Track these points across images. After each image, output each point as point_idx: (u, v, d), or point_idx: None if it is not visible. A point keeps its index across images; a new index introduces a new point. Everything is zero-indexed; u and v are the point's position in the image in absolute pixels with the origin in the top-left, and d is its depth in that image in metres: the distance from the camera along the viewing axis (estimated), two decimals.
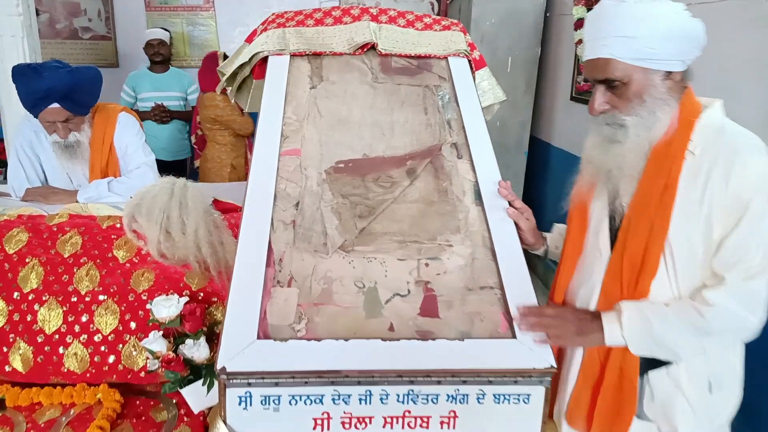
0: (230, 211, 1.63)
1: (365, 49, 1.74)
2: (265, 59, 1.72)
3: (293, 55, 1.72)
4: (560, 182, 1.98)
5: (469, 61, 1.80)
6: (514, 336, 1.07)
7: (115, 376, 1.18)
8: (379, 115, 1.56)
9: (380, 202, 1.32)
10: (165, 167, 3.59)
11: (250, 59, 1.74)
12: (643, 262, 1.08)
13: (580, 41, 3.18)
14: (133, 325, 1.18)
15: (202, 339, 1.12)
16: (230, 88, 1.85)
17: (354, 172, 1.39)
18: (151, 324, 1.14)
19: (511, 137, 4.01)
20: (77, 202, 1.62)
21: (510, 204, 1.33)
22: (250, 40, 1.87)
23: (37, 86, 1.55)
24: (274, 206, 1.27)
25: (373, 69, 1.72)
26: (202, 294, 1.23)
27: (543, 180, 3.96)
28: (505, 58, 3.81)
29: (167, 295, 1.16)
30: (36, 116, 1.63)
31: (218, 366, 0.96)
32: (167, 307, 1.10)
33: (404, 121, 1.55)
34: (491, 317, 1.11)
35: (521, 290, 1.15)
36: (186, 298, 1.14)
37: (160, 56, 3.58)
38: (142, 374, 1.17)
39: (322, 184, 1.35)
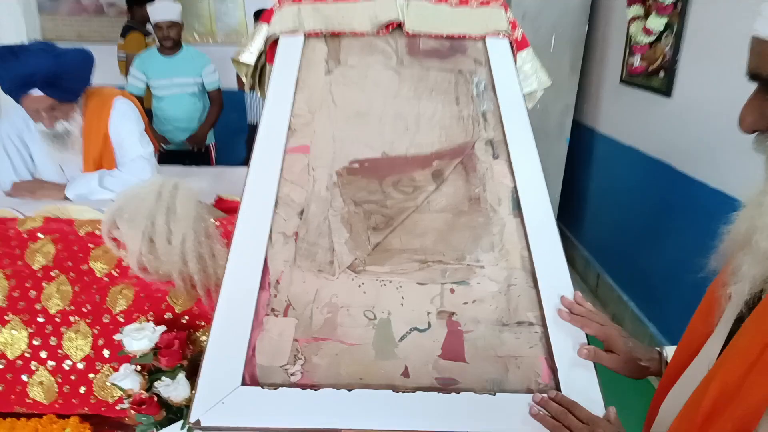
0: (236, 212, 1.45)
1: (390, 29, 1.52)
2: (277, 40, 1.52)
3: (308, 35, 1.52)
4: (605, 173, 1.71)
5: (510, 42, 1.55)
6: (558, 388, 0.87)
7: (87, 408, 1.03)
8: (404, 106, 1.34)
9: (400, 211, 1.12)
10: (183, 157, 3.42)
11: (265, 44, 1.55)
12: (731, 403, 0.64)
13: (633, 19, 2.86)
14: (106, 352, 1.02)
15: (181, 376, 0.96)
16: (252, 81, 1.66)
17: (371, 174, 1.19)
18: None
19: (552, 122, 3.73)
20: (66, 198, 1.48)
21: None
22: (266, 18, 1.67)
23: (16, 71, 1.40)
24: (274, 215, 1.08)
25: (399, 51, 1.50)
26: (186, 317, 1.07)
27: (586, 169, 3.67)
28: (548, 36, 3.51)
29: (144, 319, 1.00)
30: (18, 103, 1.49)
31: (191, 418, 0.79)
32: (139, 339, 0.94)
33: (432, 113, 1.33)
34: (530, 363, 0.90)
35: (569, 327, 0.94)
36: (162, 328, 0.98)
37: (170, 41, 3.15)
38: (119, 407, 1.02)
39: (333, 188, 1.15)
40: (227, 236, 1.13)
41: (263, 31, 1.64)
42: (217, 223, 1.18)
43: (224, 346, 0.88)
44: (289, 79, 1.38)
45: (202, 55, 3.30)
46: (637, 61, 2.88)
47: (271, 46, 1.54)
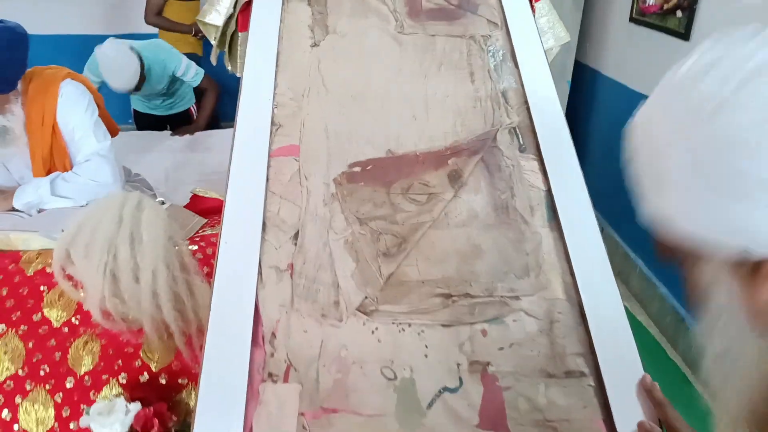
0: (216, 213, 1.25)
1: None
2: (249, 3, 1.25)
3: None
4: (610, 119, 1.53)
5: None
6: None
7: None
8: (409, 86, 1.12)
9: (414, 229, 0.93)
10: (162, 122, 3.06)
11: (234, 7, 1.28)
12: None
13: None
14: (72, 425, 0.85)
15: None
16: (222, 50, 1.40)
17: (375, 180, 0.98)
18: None
19: (552, 62, 3.46)
20: (14, 209, 1.26)
21: None
22: None
23: None
24: (262, 242, 0.89)
25: (398, 12, 1.25)
26: (165, 376, 0.89)
27: (588, 115, 3.45)
28: None
29: (116, 383, 0.82)
30: None
31: None
32: (109, 426, 0.77)
33: (444, 95, 1.11)
34: (586, 427, 0.75)
35: (628, 375, 0.78)
36: (137, 406, 0.80)
37: (133, 93, 2.62)
38: None
39: (331, 201, 0.95)
40: (208, 262, 0.94)
41: None
42: (194, 247, 0.98)
43: (213, 428, 0.71)
44: (267, 56, 1.13)
45: (168, 59, 2.62)
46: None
47: (243, 9, 1.27)
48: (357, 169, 0.99)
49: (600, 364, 0.79)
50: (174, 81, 2.75)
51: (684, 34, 2.37)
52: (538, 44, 1.19)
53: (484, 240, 0.92)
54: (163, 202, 1.24)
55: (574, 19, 3.36)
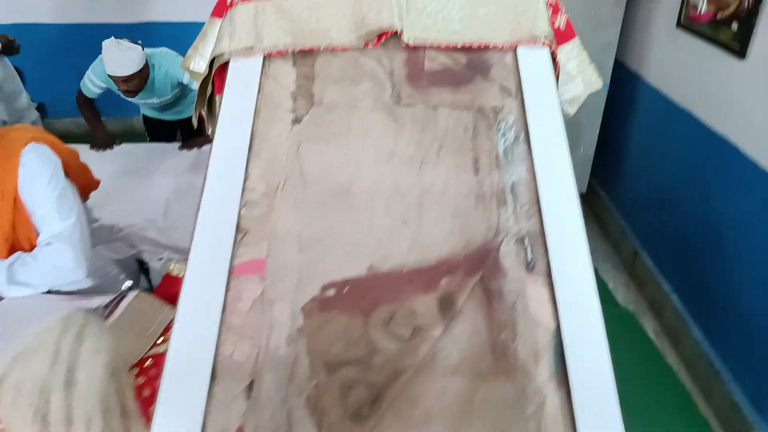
0: None
1: (383, 39, 1.08)
2: (226, 65, 1.09)
3: (268, 55, 1.09)
4: (650, 132, 1.36)
5: (552, 51, 1.10)
6: None
7: None
8: (402, 176, 0.95)
9: (393, 376, 0.78)
10: (172, 128, 2.93)
11: (210, 67, 1.12)
12: None
13: None
14: None
15: None
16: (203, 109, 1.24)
17: (352, 306, 0.83)
18: None
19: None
20: None
21: None
22: (218, 12, 1.23)
23: None
24: (209, 398, 0.75)
25: (395, 76, 1.07)
26: None
27: (627, 123, 3.17)
28: None
29: None
30: None
31: None
32: None
33: (442, 189, 0.94)
34: None
35: None
36: None
37: (132, 93, 2.44)
38: None
39: (297, 339, 0.80)
40: (154, 397, 0.81)
41: (216, 31, 1.21)
42: (141, 380, 0.86)
43: None
44: (240, 134, 0.98)
45: (173, 64, 2.48)
46: (702, 4, 2.31)
47: (219, 71, 1.12)
48: (331, 292, 0.85)
49: None
50: (181, 87, 2.63)
51: (739, 50, 2.09)
52: (558, 120, 1.00)
53: (477, 396, 0.77)
54: (131, 288, 1.12)
55: (616, 15, 3.06)
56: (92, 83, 2.56)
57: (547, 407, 0.75)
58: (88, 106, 2.71)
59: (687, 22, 2.47)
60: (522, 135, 0.99)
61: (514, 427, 0.74)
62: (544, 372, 0.78)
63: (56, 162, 1.25)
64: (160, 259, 1.84)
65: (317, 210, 0.92)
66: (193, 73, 1.34)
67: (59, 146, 1.30)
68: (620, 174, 3.33)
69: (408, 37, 1.06)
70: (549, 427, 0.74)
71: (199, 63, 1.32)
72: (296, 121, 1.01)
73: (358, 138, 0.99)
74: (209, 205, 0.91)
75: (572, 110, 1.41)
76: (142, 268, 1.53)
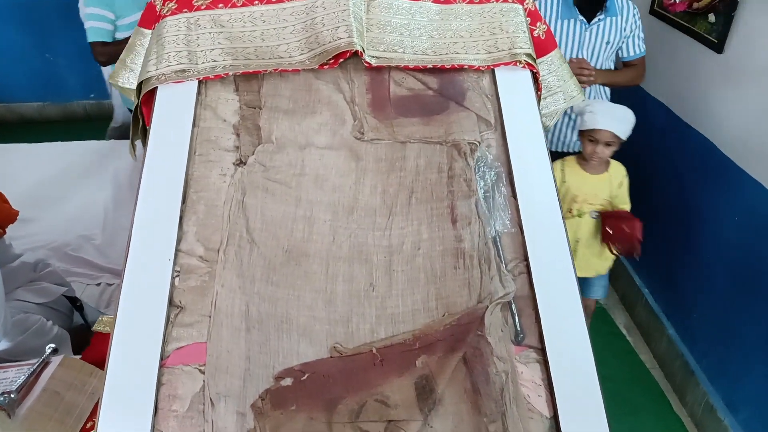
0: None
1: (341, 60, 0.92)
2: (153, 92, 0.92)
3: (204, 79, 0.92)
4: None
5: (534, 72, 0.97)
6: None
7: None
8: (366, 232, 0.81)
9: None
10: None
11: (139, 89, 0.94)
12: None
13: None
14: None
15: None
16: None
17: (312, 399, 0.70)
18: None
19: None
20: None
21: None
22: (147, 22, 1.04)
23: None
24: None
25: (357, 103, 0.92)
26: None
27: None
28: None
29: None
30: None
31: None
32: None
33: (413, 246, 0.80)
34: None
35: None
36: None
37: None
38: None
39: None
40: None
41: (146, 43, 1.03)
42: None
43: None
44: (171, 183, 0.81)
45: None
46: None
47: (147, 96, 0.94)
48: (288, 381, 0.71)
49: None
50: None
51: (716, 44, 2.00)
52: (544, 157, 0.88)
53: None
54: (55, 350, 0.96)
55: None
56: (96, 18, 1.96)
57: None
58: (111, 53, 2.03)
59: (660, 8, 2.38)
60: (504, 175, 0.86)
61: None
62: None
63: None
64: (98, 284, 1.66)
65: (267, 277, 0.77)
66: (124, 90, 1.16)
67: None
68: None
69: (369, 57, 0.91)
70: None
71: (129, 79, 1.13)
72: (240, 162, 0.85)
73: (314, 184, 0.84)
74: (135, 275, 0.75)
75: (550, 123, 1.29)
76: (75, 305, 1.36)
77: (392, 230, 0.81)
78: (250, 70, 0.91)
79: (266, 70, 0.92)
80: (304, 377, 0.71)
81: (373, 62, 0.92)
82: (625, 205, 1.62)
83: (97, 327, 1.09)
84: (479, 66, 0.94)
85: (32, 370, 0.91)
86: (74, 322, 1.40)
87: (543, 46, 1.13)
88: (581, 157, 1.62)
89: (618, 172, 1.63)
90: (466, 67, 0.94)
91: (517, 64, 0.94)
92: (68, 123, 3.64)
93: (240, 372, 0.71)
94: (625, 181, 1.64)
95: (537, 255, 0.79)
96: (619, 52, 1.87)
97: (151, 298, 0.74)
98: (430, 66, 0.93)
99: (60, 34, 3.50)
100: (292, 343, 0.73)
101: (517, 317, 0.76)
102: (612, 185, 1.61)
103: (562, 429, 0.68)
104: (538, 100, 0.95)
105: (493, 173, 0.87)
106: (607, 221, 1.65)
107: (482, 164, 0.87)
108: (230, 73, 0.91)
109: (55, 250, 1.68)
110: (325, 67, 0.92)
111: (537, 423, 0.69)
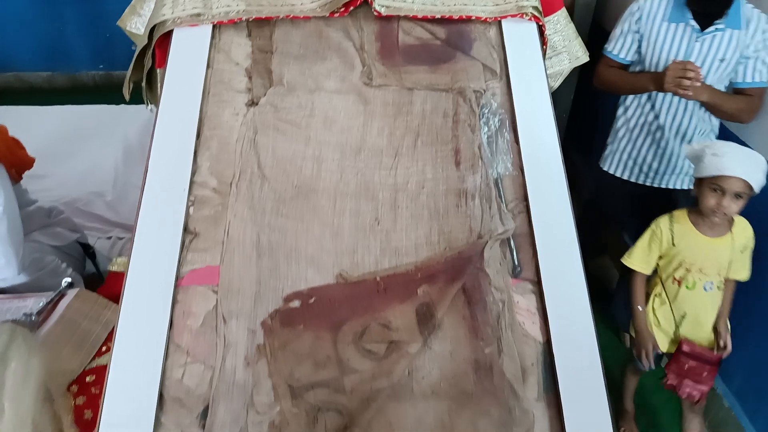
0: None
1: (351, 7, 0.95)
2: (168, 34, 0.95)
3: (219, 24, 0.95)
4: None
5: (540, 25, 1.00)
6: None
7: None
8: (373, 169, 0.84)
9: (365, 400, 0.70)
10: None
11: (151, 34, 0.97)
12: None
13: None
14: None
15: None
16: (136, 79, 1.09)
17: (318, 322, 0.74)
18: None
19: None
20: None
21: None
22: None
23: None
24: (157, 425, 0.66)
25: (366, 50, 0.95)
26: None
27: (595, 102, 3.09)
28: None
29: None
30: None
31: None
32: None
33: (419, 185, 0.84)
34: None
35: None
36: None
37: None
38: None
39: (256, 360, 0.71)
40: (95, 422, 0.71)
41: None
42: (81, 399, 0.76)
43: None
44: (186, 120, 0.85)
45: None
46: None
47: (160, 41, 0.97)
48: (296, 303, 0.75)
49: None
50: None
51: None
52: (547, 106, 0.90)
53: (459, 420, 0.69)
54: (71, 284, 1.00)
55: None
56: None
57: (536, 430, 0.69)
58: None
59: None
60: (508, 122, 0.89)
61: None
62: (532, 391, 0.71)
63: None
64: (109, 238, 1.70)
65: (277, 209, 0.81)
66: (131, 34, 1.19)
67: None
68: (595, 141, 3.26)
69: (379, 6, 0.94)
70: None
71: (136, 24, 1.16)
72: (252, 103, 0.88)
73: (323, 125, 0.87)
74: (152, 202, 0.79)
75: (555, 84, 1.32)
76: (87, 252, 1.39)
77: (398, 170, 0.85)
78: (263, 16, 0.94)
79: (278, 17, 0.94)
80: (312, 300, 0.75)
81: (383, 11, 0.94)
82: (741, 275, 1.24)
83: (111, 267, 1.13)
84: (486, 17, 0.96)
85: (50, 299, 0.96)
86: (86, 270, 1.44)
87: (549, 4, 1.15)
88: (696, 212, 1.21)
89: (743, 233, 1.22)
90: (474, 18, 0.96)
91: (524, 16, 0.97)
92: (76, 93, 3.65)
93: (251, 294, 0.74)
94: (751, 245, 1.23)
95: (536, 195, 0.82)
96: (733, 74, 1.40)
97: (167, 224, 0.77)
98: (438, 16, 0.96)
99: (69, 3, 3.49)
100: (300, 270, 0.77)
101: (515, 252, 0.80)
102: (734, 249, 1.21)
103: (554, 352, 0.72)
104: (544, 54, 0.98)
105: (497, 119, 0.90)
106: (673, 366, 1.27)
107: (487, 111, 0.90)
108: (243, 18, 0.94)
109: (67, 205, 1.71)
110: (336, 15, 0.95)
111: (531, 347, 0.73)
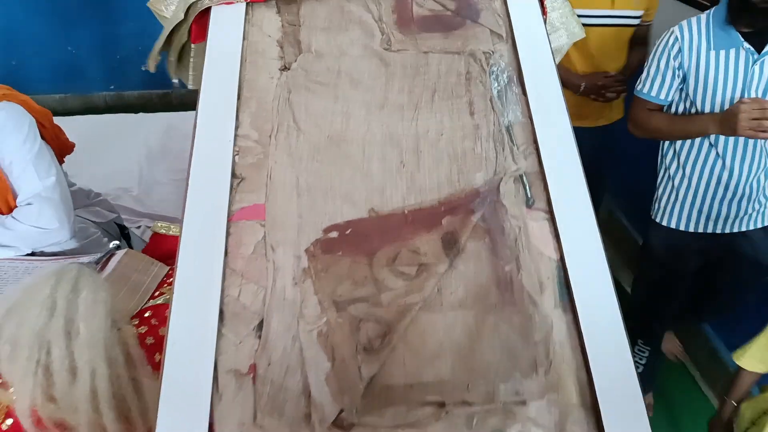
0: None
1: None
2: (206, 11, 1.06)
3: (251, 2, 1.05)
4: None
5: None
6: None
7: None
8: (396, 122, 0.94)
9: (401, 312, 0.78)
10: None
11: (186, 13, 1.08)
12: None
13: None
14: None
15: None
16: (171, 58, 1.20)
17: (356, 248, 0.83)
18: None
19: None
20: None
21: None
22: None
23: None
24: (219, 336, 0.74)
25: (384, 21, 1.05)
26: None
27: None
28: None
29: None
30: None
31: None
32: None
33: (437, 133, 0.94)
34: None
35: None
36: None
37: None
38: None
39: (302, 280, 0.80)
40: (161, 348, 0.80)
41: None
42: (143, 328, 0.84)
43: None
44: (227, 86, 0.95)
45: None
46: None
47: (199, 17, 1.08)
48: (334, 234, 0.84)
49: None
50: None
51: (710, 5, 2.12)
52: (550, 62, 1.01)
53: (485, 327, 0.78)
54: (118, 246, 1.09)
55: None
56: None
57: (555, 333, 0.77)
58: None
59: None
60: (515, 78, 0.99)
61: (523, 353, 0.76)
62: (549, 300, 0.79)
63: (30, 120, 1.19)
64: (138, 227, 1.80)
65: (312, 157, 0.90)
66: (161, 18, 1.29)
67: (31, 105, 1.24)
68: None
69: None
70: (557, 351, 0.76)
71: (169, 7, 1.27)
72: (284, 68, 0.99)
73: (349, 85, 0.97)
74: (202, 152, 0.88)
75: (555, 60, 1.42)
76: (123, 233, 1.48)
77: (418, 121, 0.94)
78: None
79: None
80: (348, 231, 0.84)
81: None
82: None
83: (154, 229, 1.21)
84: None
85: (101, 256, 1.04)
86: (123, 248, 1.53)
87: None
88: None
89: None
90: None
91: None
92: (89, 113, 3.77)
93: (294, 226, 0.84)
94: None
95: (544, 138, 0.92)
96: None
97: (216, 170, 0.87)
98: None
99: (82, 25, 3.61)
100: (336, 206, 0.86)
101: (528, 187, 0.89)
102: None
103: (567, 267, 0.80)
104: (544, 14, 1.08)
105: (505, 76, 1.00)
106: None
107: (496, 69, 1.00)
108: None
109: None
110: None
111: (546, 264, 0.82)
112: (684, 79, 1.29)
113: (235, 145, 0.90)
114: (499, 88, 0.98)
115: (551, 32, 1.32)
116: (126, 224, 1.76)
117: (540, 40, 1.03)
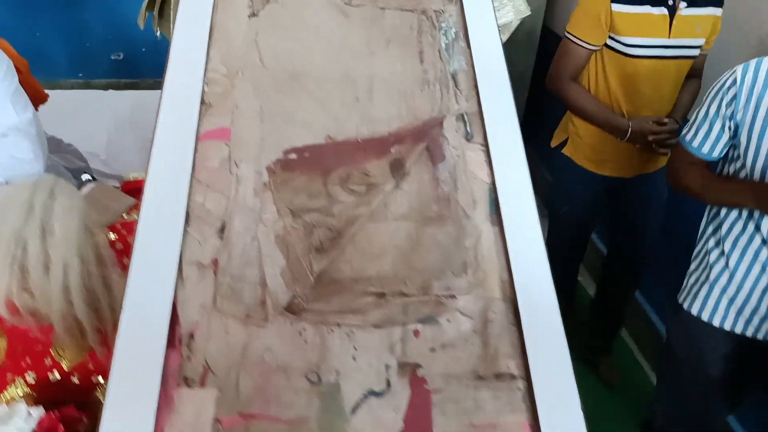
0: None
1: None
2: None
3: None
4: None
5: None
6: None
7: None
8: (353, 64, 1.05)
9: (350, 221, 0.88)
10: None
11: None
12: None
13: None
14: None
15: None
16: (151, 12, 1.28)
17: (312, 168, 0.93)
18: None
19: (519, 28, 3.38)
20: None
21: None
22: None
23: None
24: (184, 235, 0.83)
25: None
26: (78, 375, 0.84)
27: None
28: None
29: (22, 381, 0.77)
30: None
31: None
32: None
33: (389, 75, 1.04)
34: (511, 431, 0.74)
35: (557, 379, 0.77)
36: (40, 411, 0.75)
37: None
38: None
39: (263, 192, 0.89)
40: (129, 254, 0.88)
41: None
42: (113, 236, 0.92)
43: None
44: (199, 26, 1.04)
45: None
46: None
47: None
48: (293, 155, 0.93)
49: (530, 366, 0.77)
50: None
51: None
52: (492, 23, 1.13)
53: (424, 235, 0.88)
54: (92, 178, 1.16)
55: None
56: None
57: (483, 240, 0.88)
58: None
59: None
60: (461, 34, 1.11)
61: (455, 256, 0.87)
62: (480, 214, 0.91)
63: (9, 62, 1.25)
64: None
65: (275, 89, 1.00)
66: None
67: (9, 50, 1.30)
68: (548, 136, 3.57)
69: None
70: (485, 255, 0.87)
71: None
72: (253, 14, 1.08)
73: (312, 30, 1.08)
74: (173, 82, 0.97)
75: (504, 37, 1.55)
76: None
77: (374, 63, 1.05)
78: None
79: None
80: (306, 154, 0.94)
81: None
82: None
83: (124, 179, 1.28)
84: None
85: (75, 185, 1.11)
86: None
87: None
88: None
89: None
90: None
91: None
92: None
93: (257, 147, 0.93)
94: None
95: (484, 84, 1.04)
96: None
97: (186, 98, 0.95)
98: None
99: (50, 11, 3.60)
100: (296, 132, 0.95)
101: (468, 124, 1.00)
102: None
103: (497, 188, 0.92)
104: None
105: (452, 31, 1.11)
106: None
107: (444, 25, 1.12)
108: None
109: None
110: None
111: (480, 185, 0.93)
112: (736, 134, 1.01)
113: (204, 77, 0.98)
114: (447, 41, 1.10)
115: (499, 8, 1.46)
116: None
117: (485, 5, 1.15)
